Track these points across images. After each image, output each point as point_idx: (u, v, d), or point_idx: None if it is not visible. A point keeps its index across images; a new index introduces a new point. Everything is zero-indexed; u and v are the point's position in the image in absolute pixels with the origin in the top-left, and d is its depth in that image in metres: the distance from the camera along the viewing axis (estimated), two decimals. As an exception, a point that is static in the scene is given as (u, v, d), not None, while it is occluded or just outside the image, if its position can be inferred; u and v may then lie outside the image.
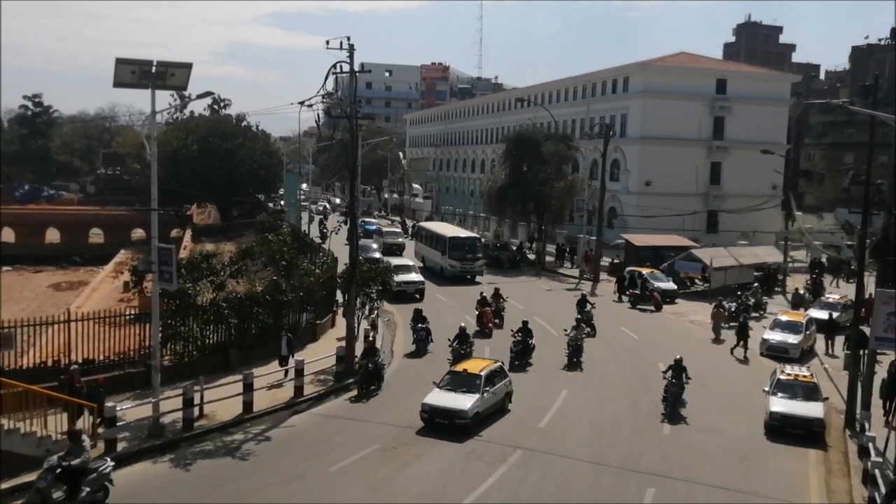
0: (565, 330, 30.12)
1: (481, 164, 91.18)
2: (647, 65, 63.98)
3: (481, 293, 35.42)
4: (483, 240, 52.82)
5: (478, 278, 46.04)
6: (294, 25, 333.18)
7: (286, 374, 24.95)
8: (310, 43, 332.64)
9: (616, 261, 48.61)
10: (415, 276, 40.71)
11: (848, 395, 22.61)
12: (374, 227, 65.93)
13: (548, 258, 54.43)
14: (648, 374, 27.33)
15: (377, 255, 45.18)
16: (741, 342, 30.63)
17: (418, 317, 30.82)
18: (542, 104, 71.49)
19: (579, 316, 32.65)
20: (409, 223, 74.28)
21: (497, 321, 33.91)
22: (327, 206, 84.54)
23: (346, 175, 31.75)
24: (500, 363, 23.90)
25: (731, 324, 33.84)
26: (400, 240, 58.78)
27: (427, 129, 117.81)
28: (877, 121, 23.17)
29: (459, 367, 23.14)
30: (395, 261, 40.79)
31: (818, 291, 41.49)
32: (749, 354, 30.48)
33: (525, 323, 29.30)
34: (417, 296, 39.61)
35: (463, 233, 50.65)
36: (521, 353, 28.51)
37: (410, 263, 42.73)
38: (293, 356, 25.26)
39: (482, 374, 22.19)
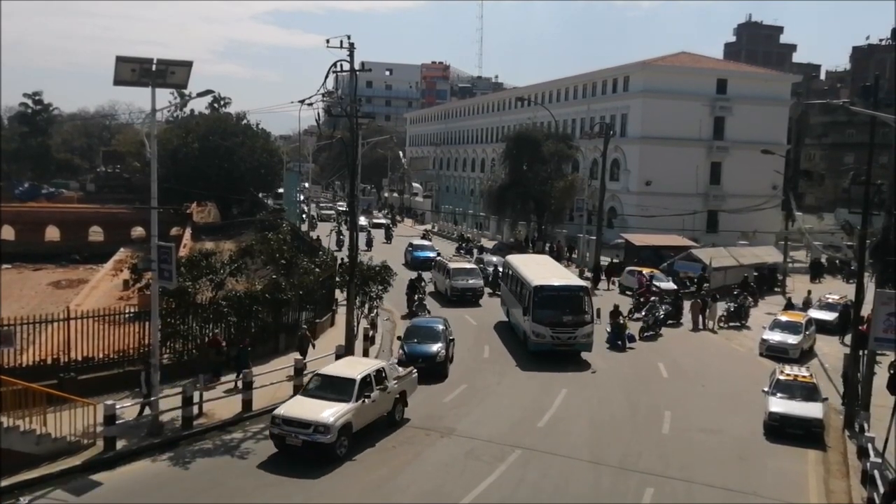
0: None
1: (481, 163, 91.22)
2: (647, 64, 63.98)
3: None
4: (589, 288, 31.93)
5: (584, 354, 28.99)
6: (292, 24, 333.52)
7: (142, 410, 20.27)
8: (308, 41, 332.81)
9: (615, 260, 48.53)
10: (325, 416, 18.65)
11: (847, 395, 22.61)
12: (429, 255, 47.41)
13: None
14: (648, 374, 27.47)
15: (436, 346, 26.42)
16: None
17: None
18: (542, 103, 71.51)
19: None
20: (428, 230, 67.50)
21: None
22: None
23: (347, 174, 31.79)
24: None
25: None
26: (472, 281, 39.39)
27: (427, 128, 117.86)
28: (877, 121, 23.21)
29: None
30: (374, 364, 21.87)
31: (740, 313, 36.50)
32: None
33: None
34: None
35: (559, 278, 31.35)
36: None
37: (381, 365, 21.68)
38: (152, 395, 20.00)
39: None
